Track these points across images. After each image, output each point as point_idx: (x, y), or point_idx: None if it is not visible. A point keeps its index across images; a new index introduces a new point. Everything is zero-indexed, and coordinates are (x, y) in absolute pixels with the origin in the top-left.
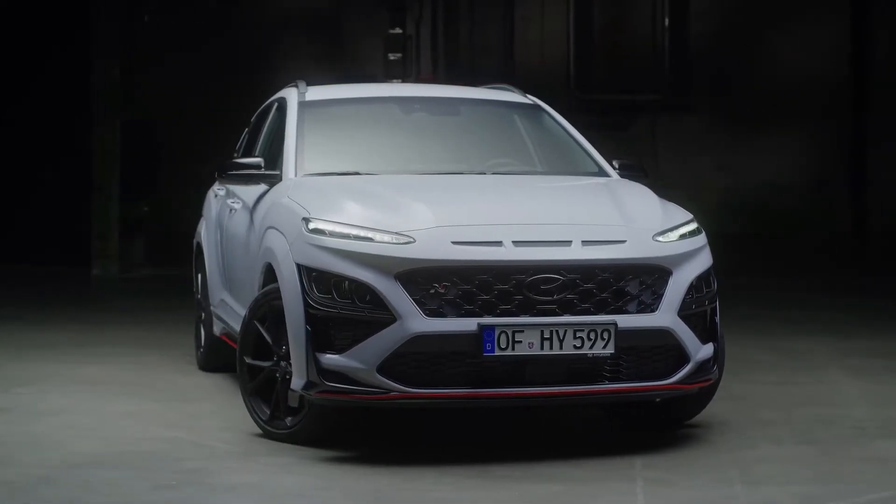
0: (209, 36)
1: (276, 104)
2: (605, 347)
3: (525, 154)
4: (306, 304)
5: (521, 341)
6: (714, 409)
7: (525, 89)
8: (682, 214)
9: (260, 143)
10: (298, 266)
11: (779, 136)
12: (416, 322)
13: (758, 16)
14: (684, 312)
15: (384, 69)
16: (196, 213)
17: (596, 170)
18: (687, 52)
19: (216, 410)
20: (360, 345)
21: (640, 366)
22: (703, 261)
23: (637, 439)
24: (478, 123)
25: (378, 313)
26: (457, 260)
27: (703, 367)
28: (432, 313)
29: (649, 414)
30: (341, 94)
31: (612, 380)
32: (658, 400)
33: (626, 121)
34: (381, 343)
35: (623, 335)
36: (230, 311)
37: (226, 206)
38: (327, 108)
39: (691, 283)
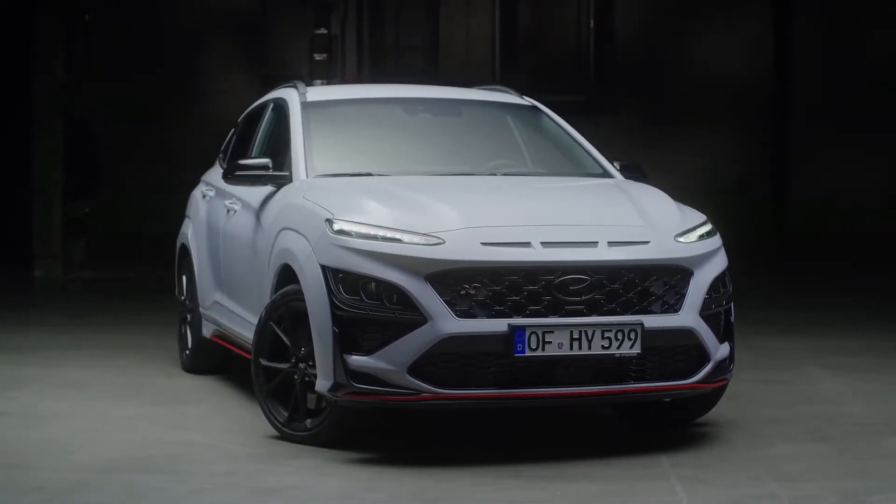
0: (137, 36)
1: (270, 105)
2: (631, 347)
3: (531, 155)
4: (333, 306)
5: (550, 342)
6: (716, 408)
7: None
8: (697, 215)
9: (255, 144)
10: (323, 267)
11: (703, 137)
12: (448, 323)
13: (682, 17)
14: (705, 312)
15: (309, 70)
16: (135, 212)
17: (600, 171)
18: (612, 54)
19: (219, 413)
20: (389, 346)
21: (664, 365)
22: (721, 261)
23: (654, 438)
24: (481, 125)
25: (408, 314)
26: (487, 261)
27: (721, 366)
28: (463, 314)
29: (659, 413)
30: (342, 94)
31: (637, 379)
32: (668, 400)
33: None
34: (412, 344)
35: (649, 335)
36: (226, 312)
37: (220, 207)
38: (331, 109)
39: (711, 284)
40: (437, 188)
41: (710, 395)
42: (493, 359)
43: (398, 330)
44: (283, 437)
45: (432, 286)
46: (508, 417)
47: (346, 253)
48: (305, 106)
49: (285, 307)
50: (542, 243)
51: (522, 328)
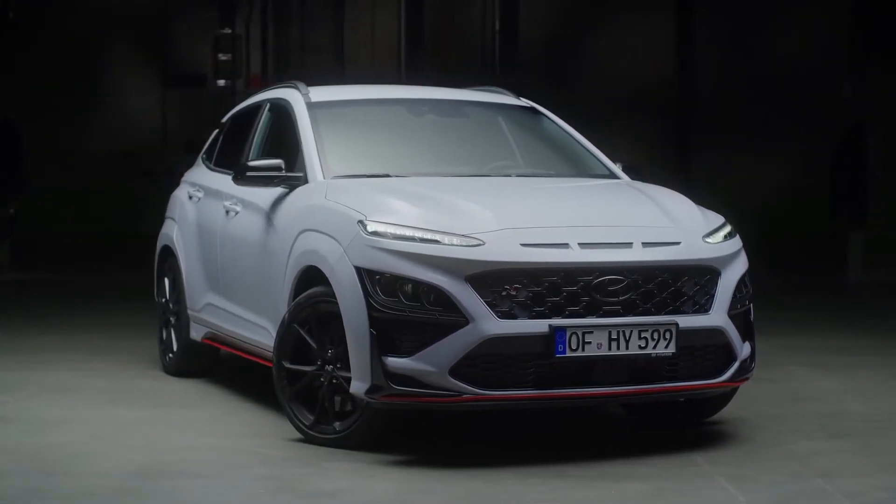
0: (41, 34)
1: (266, 105)
2: (666, 347)
3: (538, 157)
4: (370, 308)
5: (590, 342)
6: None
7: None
8: (717, 216)
9: (253, 145)
10: (358, 269)
11: (607, 137)
12: (490, 324)
13: (586, 19)
14: (731, 312)
15: (213, 69)
16: (46, 213)
17: (606, 172)
18: (517, 55)
19: (226, 416)
20: (429, 347)
21: (694, 364)
22: (743, 261)
23: (679, 437)
24: (487, 126)
25: (449, 316)
26: (526, 262)
27: (744, 365)
28: (504, 315)
29: (671, 413)
30: (345, 95)
31: (670, 378)
32: (682, 399)
33: None
34: (454, 345)
35: (682, 335)
36: (223, 314)
37: (216, 208)
38: (337, 110)
39: (736, 284)
40: (460, 189)
41: (725, 394)
42: (534, 359)
43: (439, 331)
44: (308, 440)
45: (473, 287)
46: (528, 418)
47: (382, 254)
48: (311, 107)
49: (311, 309)
50: (579, 244)
51: (563, 329)
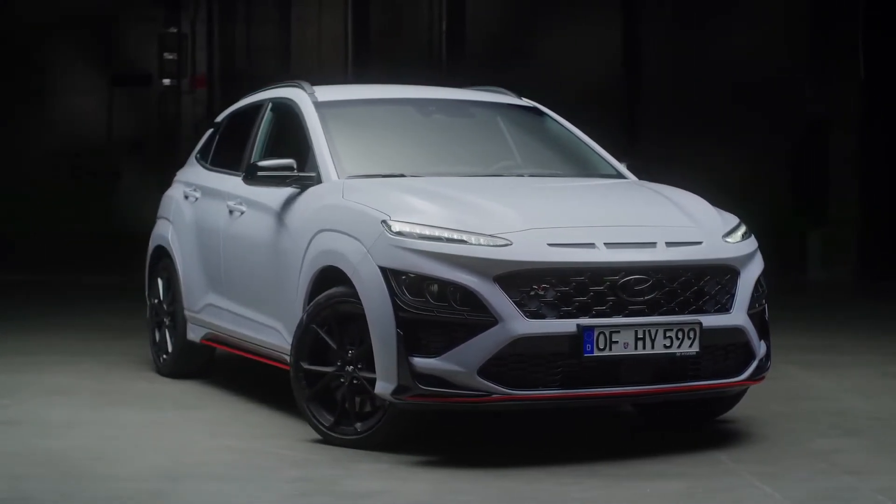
0: None
1: (268, 105)
2: (691, 346)
3: (545, 156)
4: (396, 308)
5: (617, 342)
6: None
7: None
8: (732, 216)
9: (256, 145)
10: (383, 269)
11: None
12: (519, 324)
13: (533, 19)
14: (750, 311)
15: (159, 69)
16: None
17: (613, 171)
18: (464, 55)
19: (235, 417)
20: (458, 347)
21: (716, 363)
22: (759, 261)
23: (698, 435)
24: (493, 126)
25: (478, 316)
26: (554, 262)
27: (761, 363)
28: (532, 315)
29: (681, 412)
30: (351, 94)
31: (693, 377)
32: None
33: None
34: (483, 345)
35: (706, 334)
36: (226, 314)
37: (218, 208)
38: (345, 110)
39: (755, 283)
40: (477, 189)
41: (737, 393)
42: (561, 359)
43: (467, 331)
44: (328, 441)
45: (501, 287)
46: (538, 417)
47: (407, 254)
48: (318, 106)
49: (330, 310)
50: (605, 244)
51: (591, 328)
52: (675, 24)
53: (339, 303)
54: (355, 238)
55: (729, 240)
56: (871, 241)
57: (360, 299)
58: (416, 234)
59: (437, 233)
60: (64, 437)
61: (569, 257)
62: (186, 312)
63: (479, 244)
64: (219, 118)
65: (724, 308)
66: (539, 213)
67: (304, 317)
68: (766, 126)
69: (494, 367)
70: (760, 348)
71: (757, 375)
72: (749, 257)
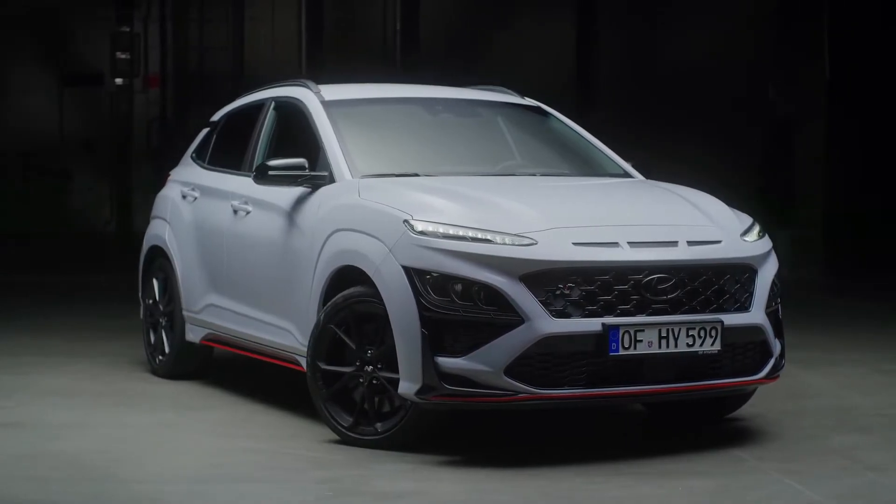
0: None
1: (270, 104)
2: (712, 345)
3: (553, 156)
4: (420, 307)
5: (641, 340)
6: None
7: (255, 89)
8: (746, 216)
9: (259, 144)
10: (406, 269)
11: None
12: (545, 323)
13: (487, 17)
14: (767, 310)
15: (111, 68)
16: None
17: (620, 171)
18: (419, 54)
19: (245, 418)
20: (484, 347)
21: (735, 361)
22: (774, 259)
23: (714, 434)
24: (499, 125)
25: (504, 315)
26: (579, 261)
27: (777, 362)
28: (558, 314)
29: (691, 411)
30: (358, 94)
31: (713, 376)
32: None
33: None
34: (509, 345)
35: (727, 332)
36: (229, 315)
37: (221, 207)
38: (354, 108)
39: (771, 282)
40: (494, 188)
41: (747, 392)
42: (587, 358)
43: (493, 331)
44: (346, 441)
45: (526, 286)
46: (546, 417)
47: (431, 254)
48: (326, 105)
49: (348, 310)
50: (629, 243)
51: (616, 327)
52: (632, 24)
53: (357, 302)
54: (376, 238)
55: (747, 238)
56: (837, 240)
57: (380, 299)
58: (440, 233)
59: (461, 232)
60: (75, 440)
61: (594, 256)
62: (185, 313)
63: (505, 243)
64: (215, 117)
65: (744, 307)
66: (561, 213)
67: (321, 317)
68: (731, 127)
69: (521, 367)
70: (776, 347)
71: (773, 374)
72: (765, 256)
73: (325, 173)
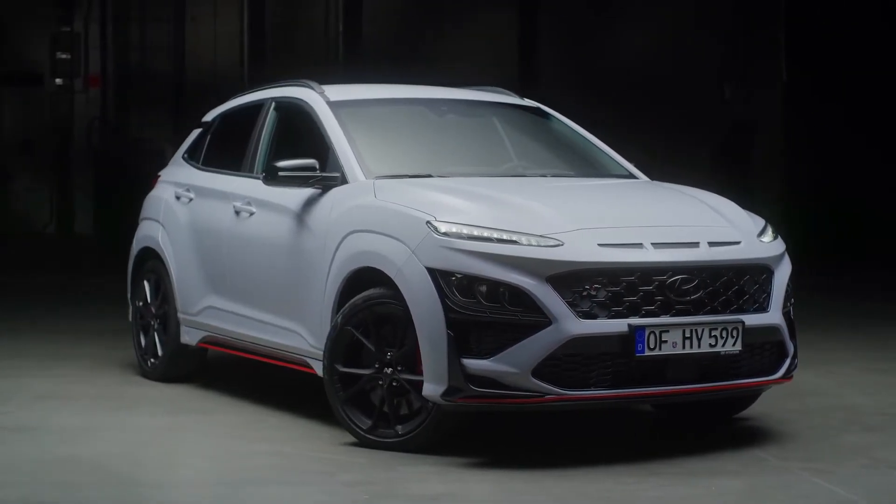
0: None
1: (270, 104)
2: (734, 345)
3: (559, 157)
4: (446, 309)
5: (666, 341)
6: None
7: (198, 89)
8: (758, 217)
9: (260, 145)
10: (431, 270)
11: None
12: (572, 324)
13: (429, 19)
14: (784, 310)
15: (51, 68)
16: None
17: (625, 172)
18: (361, 54)
19: (258, 421)
20: (511, 348)
21: (754, 361)
22: (788, 261)
23: (730, 433)
24: (504, 126)
25: (532, 316)
26: (605, 262)
27: (792, 362)
28: (585, 315)
29: (700, 411)
30: (362, 94)
31: (733, 376)
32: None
33: None
34: (537, 346)
35: (747, 333)
36: (231, 317)
37: (221, 208)
38: (361, 109)
39: (787, 282)
40: (512, 189)
41: (758, 392)
42: (613, 358)
43: (520, 332)
44: (364, 444)
45: (553, 287)
46: (553, 418)
47: (457, 255)
48: (333, 106)
49: (367, 311)
50: (652, 244)
51: (643, 328)
52: (575, 23)
53: (376, 304)
54: (397, 239)
55: (763, 239)
56: (794, 239)
57: (400, 301)
58: (465, 234)
59: (486, 233)
60: (89, 444)
61: (619, 257)
62: (181, 315)
63: (531, 244)
64: (207, 118)
65: (762, 307)
66: (583, 214)
67: (339, 319)
68: (686, 126)
69: (548, 368)
70: (791, 347)
71: (788, 374)
72: (780, 257)
73: (337, 174)
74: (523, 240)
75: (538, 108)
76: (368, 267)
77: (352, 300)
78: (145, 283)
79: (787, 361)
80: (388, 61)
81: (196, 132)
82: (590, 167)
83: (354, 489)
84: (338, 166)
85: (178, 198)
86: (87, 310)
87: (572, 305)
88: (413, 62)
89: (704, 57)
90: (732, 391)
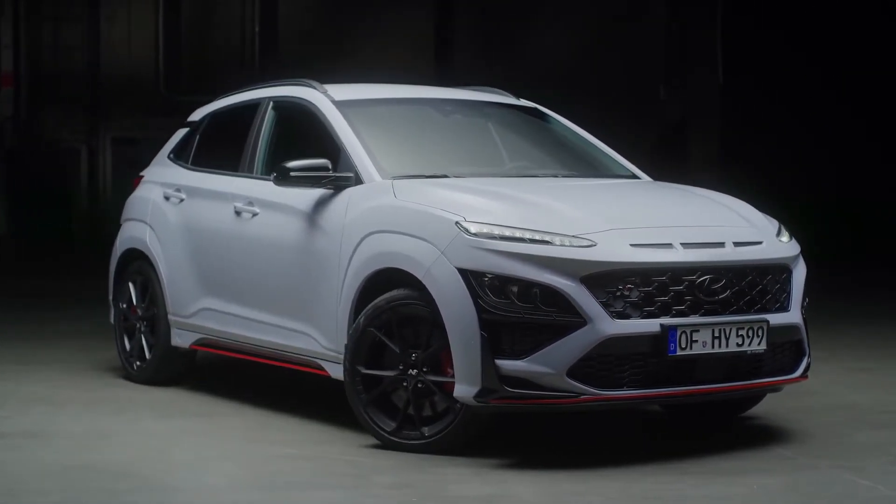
0: None
1: (269, 104)
2: (759, 344)
3: (565, 157)
4: (479, 310)
5: (697, 340)
6: None
7: (114, 90)
8: (772, 218)
9: (259, 145)
10: (462, 271)
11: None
12: (607, 324)
13: (345, 19)
14: (802, 309)
15: None
16: None
17: (628, 172)
18: (277, 55)
19: (270, 423)
20: (545, 349)
21: (775, 360)
22: (803, 261)
23: (738, 432)
24: (507, 127)
25: (566, 317)
26: (638, 262)
27: (808, 361)
28: (618, 315)
29: (708, 411)
30: (366, 94)
31: (756, 375)
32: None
33: None
34: (572, 346)
35: (772, 332)
36: (231, 319)
37: (218, 209)
38: (367, 109)
39: (804, 282)
40: (531, 189)
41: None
42: (645, 358)
43: (555, 332)
44: (387, 446)
45: (587, 288)
46: (560, 419)
47: (488, 255)
48: (339, 106)
49: (391, 313)
50: (681, 244)
51: (675, 328)
52: (492, 24)
53: (400, 306)
54: (424, 240)
55: (783, 239)
56: None
57: (425, 301)
58: (496, 234)
59: (517, 233)
60: (105, 450)
61: (651, 258)
62: (171, 317)
63: (564, 245)
64: (195, 117)
65: (783, 307)
66: (612, 214)
67: (361, 320)
68: (625, 130)
69: (582, 368)
70: (807, 346)
71: (805, 373)
72: (797, 258)
73: (350, 174)
74: (556, 240)
75: (535, 109)
76: (391, 268)
77: (374, 301)
78: (130, 284)
79: (805, 360)
80: (304, 61)
81: (182, 132)
82: (594, 167)
83: (396, 492)
84: (350, 166)
85: (167, 198)
86: (39, 312)
87: (606, 306)
88: (329, 63)
89: (639, 55)
90: (755, 390)
